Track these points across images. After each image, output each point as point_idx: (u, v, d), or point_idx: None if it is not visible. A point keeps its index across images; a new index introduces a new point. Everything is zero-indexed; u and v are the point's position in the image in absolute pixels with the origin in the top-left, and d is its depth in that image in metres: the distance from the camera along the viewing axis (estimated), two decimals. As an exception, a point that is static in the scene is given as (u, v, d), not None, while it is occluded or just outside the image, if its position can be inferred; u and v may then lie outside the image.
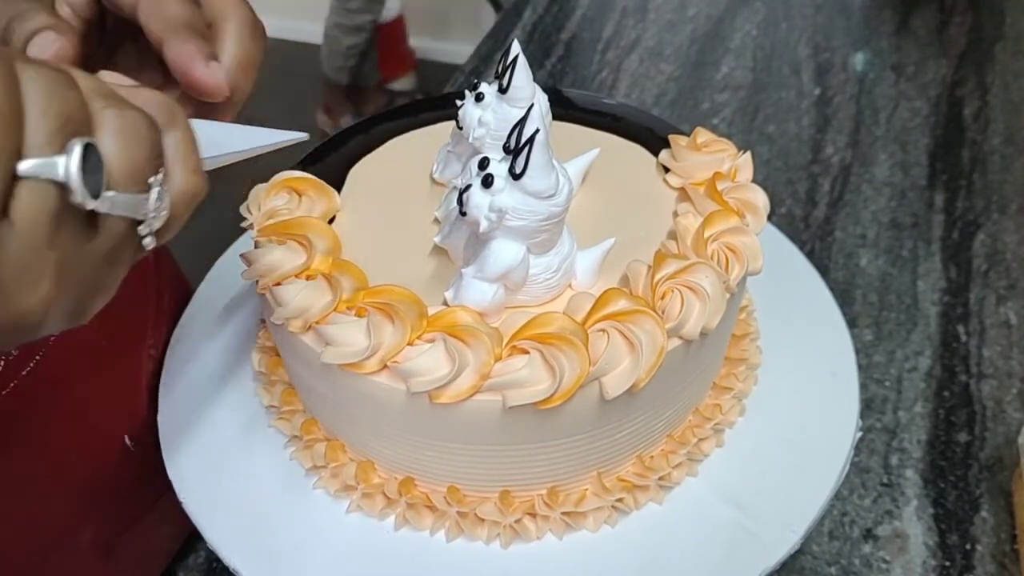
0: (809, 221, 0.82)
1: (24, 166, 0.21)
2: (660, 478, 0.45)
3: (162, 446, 0.48)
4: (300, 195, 0.45)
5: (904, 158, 0.90)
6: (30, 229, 0.22)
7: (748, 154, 0.48)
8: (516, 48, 0.43)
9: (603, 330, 0.38)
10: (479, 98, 0.43)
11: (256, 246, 0.42)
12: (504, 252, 0.38)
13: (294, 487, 0.46)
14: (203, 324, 0.55)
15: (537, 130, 0.36)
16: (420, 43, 2.56)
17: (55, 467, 0.37)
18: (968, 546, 0.58)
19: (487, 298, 0.39)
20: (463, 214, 0.37)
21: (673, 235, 0.44)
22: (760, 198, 0.46)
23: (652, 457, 0.45)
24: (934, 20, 1.11)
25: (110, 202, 0.24)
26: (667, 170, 0.49)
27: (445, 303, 0.40)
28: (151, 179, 0.25)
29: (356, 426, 0.43)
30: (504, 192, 0.37)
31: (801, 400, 0.50)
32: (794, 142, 0.92)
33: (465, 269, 0.39)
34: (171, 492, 0.46)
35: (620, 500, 0.44)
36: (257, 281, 0.41)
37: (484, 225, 0.37)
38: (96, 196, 0.23)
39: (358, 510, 0.45)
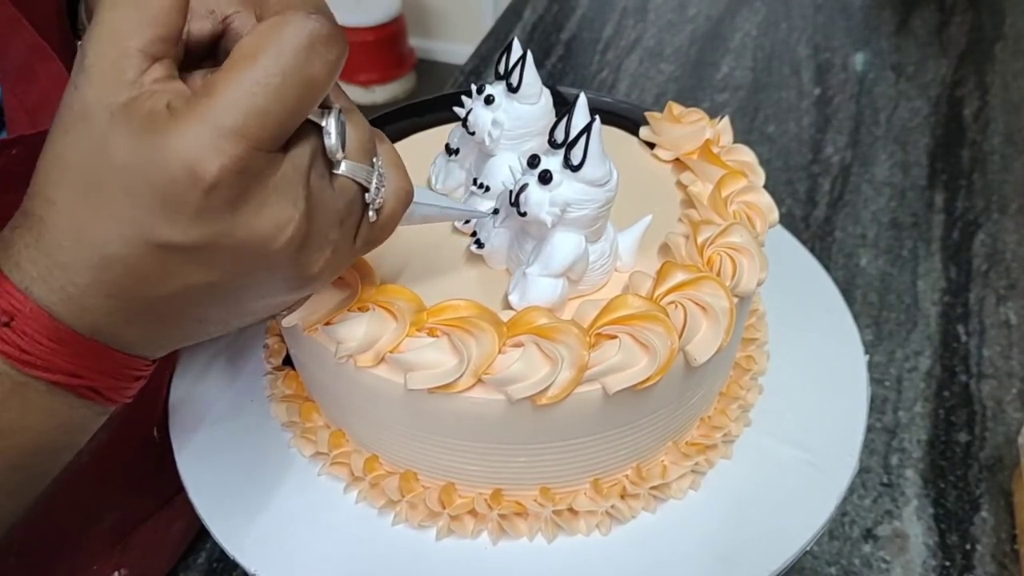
0: (809, 221, 0.82)
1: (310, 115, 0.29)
2: (661, 485, 0.45)
3: (171, 436, 0.48)
4: None
5: (904, 158, 0.90)
6: (298, 158, 0.28)
7: (727, 118, 0.50)
8: (518, 46, 0.43)
9: (674, 302, 0.39)
10: (488, 100, 0.43)
11: None
12: (566, 245, 0.38)
13: (298, 479, 0.46)
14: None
15: (593, 119, 0.37)
16: (420, 43, 2.56)
17: (90, 455, 0.38)
18: (968, 546, 0.58)
19: (556, 293, 0.39)
20: (522, 215, 0.38)
21: (689, 204, 0.46)
22: (751, 155, 0.48)
23: (661, 462, 0.45)
24: (934, 20, 1.11)
25: (346, 164, 0.30)
26: (651, 146, 0.51)
27: (508, 307, 0.40)
28: (374, 160, 0.32)
29: (376, 424, 0.43)
30: (562, 185, 0.37)
31: (808, 412, 0.50)
32: (794, 142, 0.92)
33: (528, 269, 0.39)
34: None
35: (656, 490, 0.45)
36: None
37: (549, 221, 0.37)
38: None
39: (363, 501, 0.45)
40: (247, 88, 0.26)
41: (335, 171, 0.30)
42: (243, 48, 0.27)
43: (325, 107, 0.30)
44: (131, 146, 0.26)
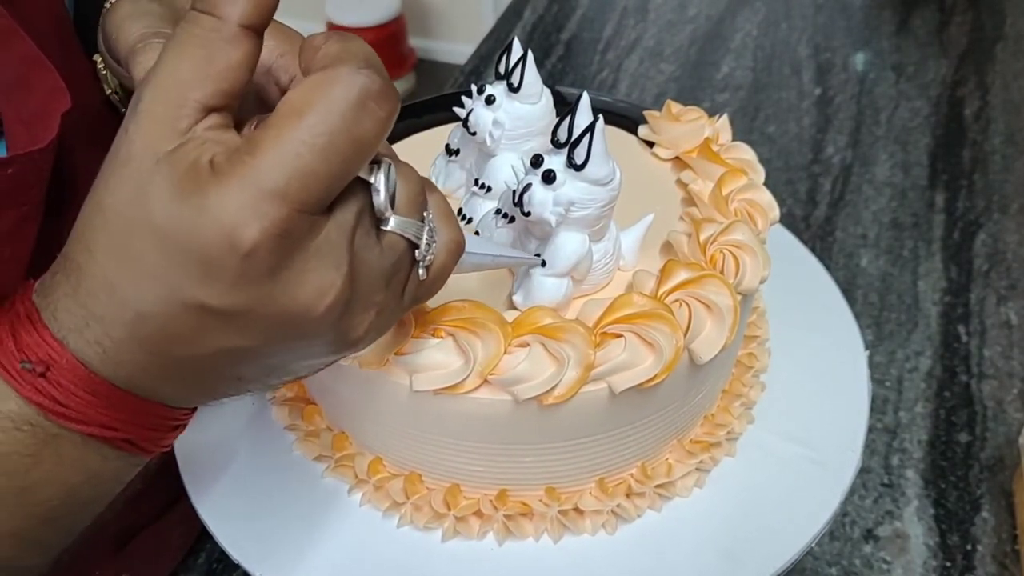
0: (810, 221, 0.82)
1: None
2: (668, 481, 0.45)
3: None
4: None
5: (905, 158, 0.90)
6: (343, 218, 0.27)
7: (725, 117, 0.51)
8: (519, 46, 0.43)
9: (678, 300, 0.39)
10: (489, 101, 0.43)
11: None
12: (570, 244, 0.39)
13: (301, 482, 0.46)
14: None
15: (596, 119, 0.37)
16: (420, 43, 2.56)
17: None
18: (969, 546, 0.58)
19: (561, 292, 0.40)
20: (526, 214, 0.38)
21: (690, 202, 0.46)
22: (750, 153, 0.48)
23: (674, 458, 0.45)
24: (934, 20, 1.11)
25: (395, 220, 0.29)
26: (650, 145, 0.51)
27: (512, 307, 0.41)
28: (424, 213, 0.30)
29: (380, 426, 0.43)
30: (566, 185, 0.37)
31: (810, 409, 0.50)
32: (795, 142, 0.92)
33: (532, 269, 0.39)
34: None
35: (662, 488, 0.45)
36: None
37: (553, 220, 0.37)
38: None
39: (368, 504, 0.45)
40: (292, 148, 0.25)
41: (383, 227, 0.29)
42: (289, 104, 0.25)
43: (374, 162, 0.28)
44: (170, 202, 0.25)
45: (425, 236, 0.30)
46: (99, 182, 0.27)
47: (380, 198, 0.28)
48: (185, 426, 0.32)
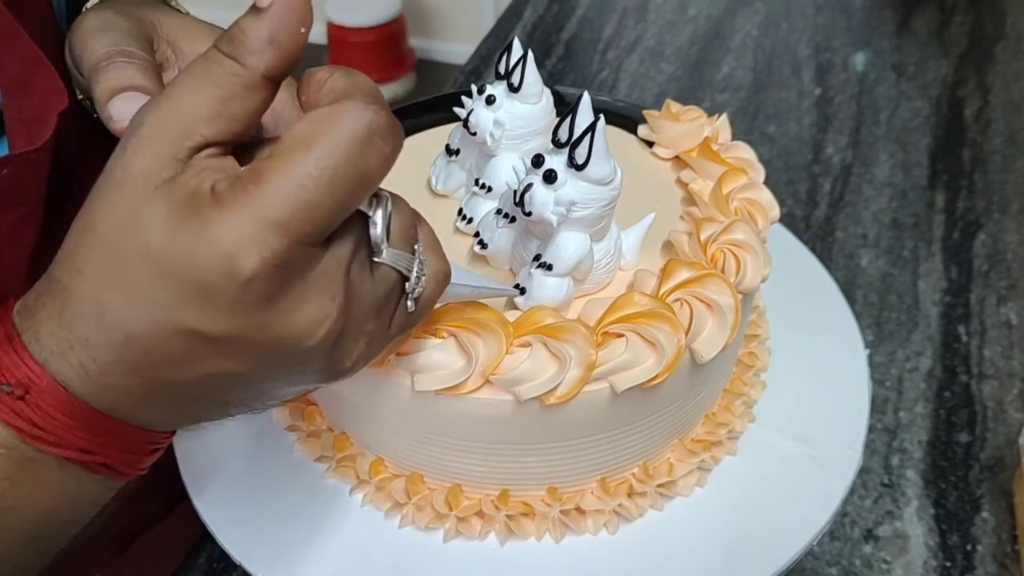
0: (810, 221, 0.82)
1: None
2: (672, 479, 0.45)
3: (174, 443, 0.48)
4: None
5: (905, 158, 0.90)
6: (340, 250, 0.27)
7: (725, 116, 0.51)
8: (519, 46, 0.43)
9: (679, 300, 0.39)
10: (490, 101, 0.43)
11: None
12: (571, 244, 0.39)
13: (302, 483, 0.46)
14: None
15: (597, 118, 0.37)
16: (420, 43, 2.56)
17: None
18: (969, 547, 0.58)
19: (562, 292, 0.40)
20: (527, 214, 0.38)
21: (690, 201, 0.46)
22: (750, 152, 0.48)
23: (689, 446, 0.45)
24: (935, 20, 1.11)
25: (388, 252, 0.29)
26: (650, 144, 0.51)
27: (513, 307, 0.41)
28: (415, 246, 0.31)
29: (382, 427, 0.43)
30: (567, 184, 0.37)
31: (811, 407, 0.50)
32: (795, 142, 0.92)
33: (534, 269, 0.39)
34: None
35: (663, 488, 0.45)
36: None
37: (555, 220, 0.37)
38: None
39: (369, 504, 0.45)
40: (297, 180, 0.25)
41: (376, 259, 0.29)
42: (296, 136, 0.26)
43: (373, 195, 0.29)
44: (167, 227, 0.25)
45: (415, 268, 0.31)
46: (91, 202, 0.26)
47: (377, 231, 0.29)
48: (163, 450, 0.32)
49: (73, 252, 0.27)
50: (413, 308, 0.32)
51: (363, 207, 0.28)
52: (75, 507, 0.31)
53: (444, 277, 0.33)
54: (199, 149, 0.26)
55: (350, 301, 0.28)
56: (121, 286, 0.26)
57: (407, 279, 0.31)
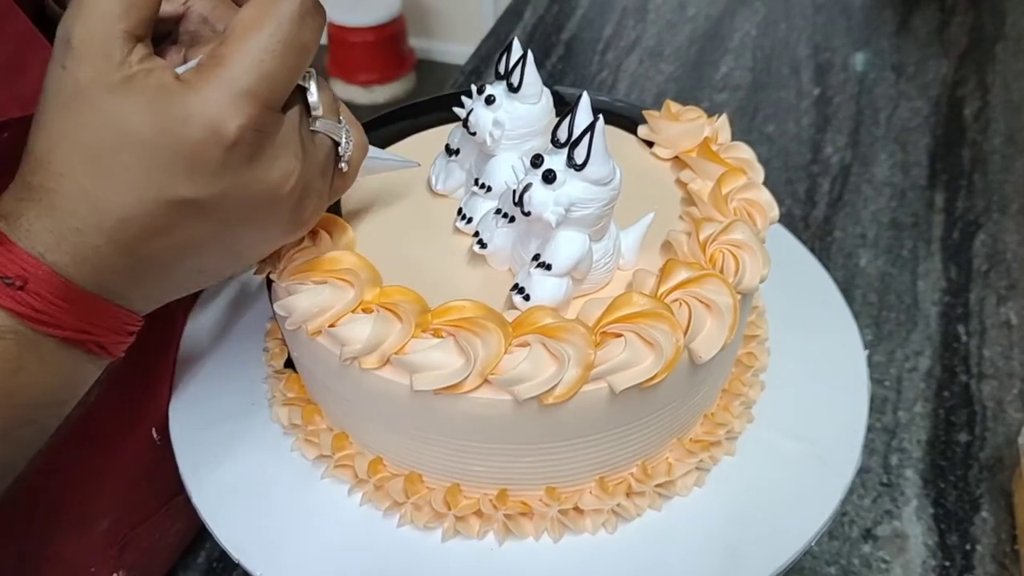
0: (809, 221, 0.82)
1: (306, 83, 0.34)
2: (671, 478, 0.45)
3: (173, 440, 0.48)
4: (315, 232, 0.43)
5: (904, 158, 0.90)
6: (292, 116, 0.33)
7: (724, 116, 0.51)
8: (518, 46, 0.43)
9: (678, 300, 0.39)
10: (489, 101, 0.43)
11: (285, 291, 0.40)
12: (570, 244, 0.39)
13: (301, 482, 0.46)
14: (214, 316, 0.55)
15: (596, 119, 0.37)
16: (420, 43, 2.56)
17: (87, 457, 0.41)
18: (968, 546, 0.58)
19: (561, 292, 0.40)
20: (527, 214, 0.38)
21: (689, 201, 0.46)
22: (749, 152, 0.48)
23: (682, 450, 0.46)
24: (934, 20, 1.11)
25: (321, 122, 0.35)
26: (649, 144, 0.51)
27: (512, 307, 0.40)
28: (340, 117, 0.36)
29: (381, 426, 0.43)
30: (566, 184, 0.37)
31: (809, 406, 0.50)
32: (794, 142, 0.92)
33: (533, 269, 0.39)
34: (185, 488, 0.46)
35: (662, 487, 0.45)
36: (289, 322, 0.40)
37: (554, 220, 0.37)
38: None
39: (368, 503, 0.45)
40: (256, 55, 0.30)
41: (312, 128, 0.35)
42: (245, 20, 0.31)
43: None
44: (149, 114, 0.29)
45: (343, 136, 0.36)
46: (51, 115, 0.30)
47: (314, 98, 0.34)
48: (136, 333, 0.35)
49: (47, 160, 0.30)
50: (347, 169, 0.37)
51: (302, 81, 0.33)
52: (71, 387, 0.35)
53: (364, 146, 0.38)
54: (128, 48, 0.29)
55: (307, 158, 0.34)
56: (108, 176, 0.30)
57: (339, 144, 0.36)
